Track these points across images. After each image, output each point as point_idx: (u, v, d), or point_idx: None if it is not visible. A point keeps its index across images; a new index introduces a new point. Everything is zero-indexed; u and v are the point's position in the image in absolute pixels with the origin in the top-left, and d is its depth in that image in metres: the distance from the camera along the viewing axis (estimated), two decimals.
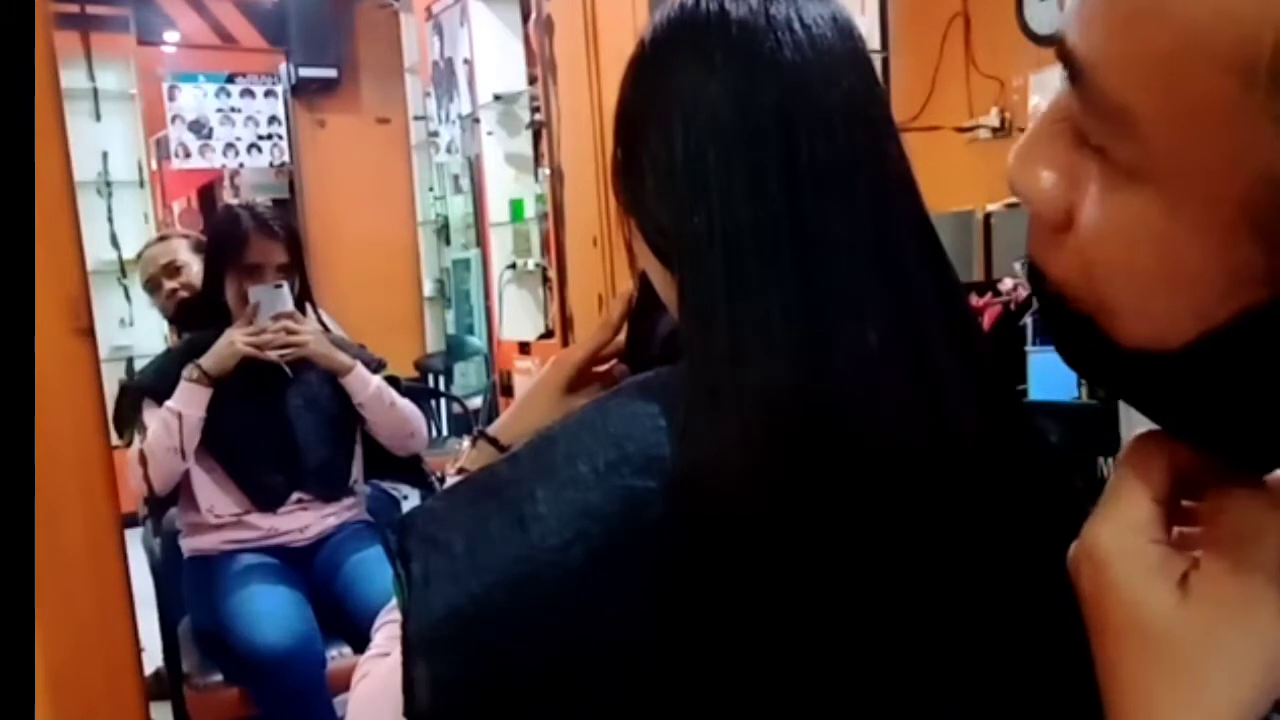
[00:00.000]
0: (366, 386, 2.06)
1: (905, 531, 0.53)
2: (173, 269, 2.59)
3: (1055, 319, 0.44)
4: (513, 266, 4.12)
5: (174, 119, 5.21)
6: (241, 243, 1.98)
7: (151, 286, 2.67)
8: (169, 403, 1.92)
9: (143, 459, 1.90)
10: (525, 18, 3.89)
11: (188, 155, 5.27)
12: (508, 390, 3.78)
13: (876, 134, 0.58)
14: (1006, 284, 1.97)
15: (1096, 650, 0.44)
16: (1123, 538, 0.43)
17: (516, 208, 4.09)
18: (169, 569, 2.03)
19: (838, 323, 0.54)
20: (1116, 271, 0.39)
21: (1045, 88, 2.75)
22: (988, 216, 2.62)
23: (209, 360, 1.92)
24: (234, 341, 1.92)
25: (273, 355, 1.95)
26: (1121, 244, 0.38)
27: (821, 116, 0.56)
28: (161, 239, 2.76)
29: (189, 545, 2.04)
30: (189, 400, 1.91)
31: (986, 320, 1.91)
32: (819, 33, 0.57)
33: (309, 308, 2.11)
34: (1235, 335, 0.37)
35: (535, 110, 3.78)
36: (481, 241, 4.52)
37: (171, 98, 5.20)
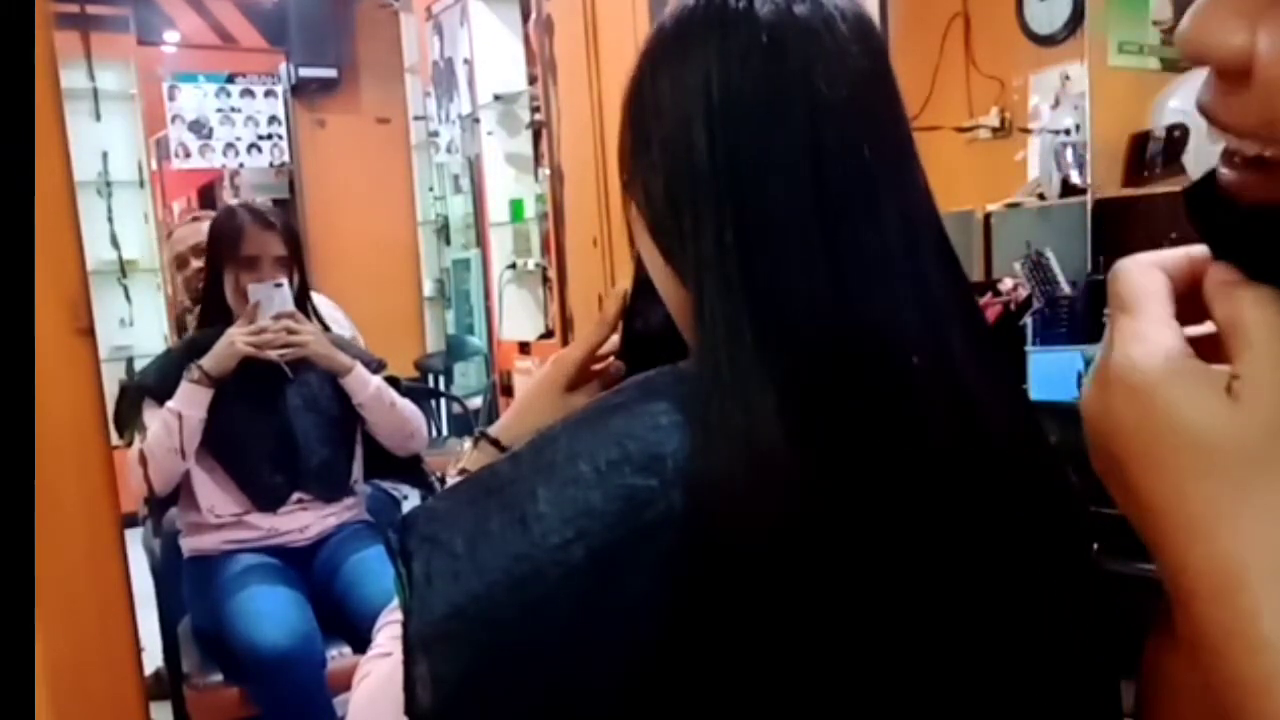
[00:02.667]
0: (366, 387, 2.06)
1: (927, 540, 0.54)
2: (200, 250, 2.59)
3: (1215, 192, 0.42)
4: (513, 266, 4.12)
5: (174, 119, 5.21)
6: (238, 235, 1.99)
7: (178, 263, 2.69)
8: (170, 403, 1.92)
9: (143, 459, 1.90)
10: (525, 18, 3.89)
11: (188, 155, 5.28)
12: (508, 390, 3.78)
13: (902, 141, 0.59)
14: (1006, 284, 1.98)
15: (1144, 485, 0.42)
16: (1161, 358, 0.42)
17: (516, 208, 4.09)
18: (169, 569, 2.03)
19: (870, 329, 0.55)
20: None
21: (1045, 88, 2.75)
22: (988, 216, 2.62)
23: (210, 361, 1.92)
24: (234, 341, 1.92)
25: (273, 355, 1.95)
26: None
27: (851, 128, 0.56)
28: (194, 219, 2.82)
29: (189, 545, 2.04)
30: (190, 401, 1.91)
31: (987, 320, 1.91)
32: (848, 43, 0.58)
33: (309, 306, 2.11)
34: None
35: (535, 110, 3.78)
36: (481, 241, 4.52)
37: (171, 97, 5.20)
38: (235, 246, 1.99)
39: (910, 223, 0.57)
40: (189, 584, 2.02)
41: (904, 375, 0.54)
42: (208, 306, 2.07)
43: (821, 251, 0.55)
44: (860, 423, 0.53)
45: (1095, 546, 0.65)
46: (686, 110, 0.57)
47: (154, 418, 1.94)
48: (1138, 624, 0.66)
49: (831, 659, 0.52)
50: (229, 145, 5.36)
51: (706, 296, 0.56)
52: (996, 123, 2.85)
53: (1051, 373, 1.68)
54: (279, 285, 1.95)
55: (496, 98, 4.03)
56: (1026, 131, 2.76)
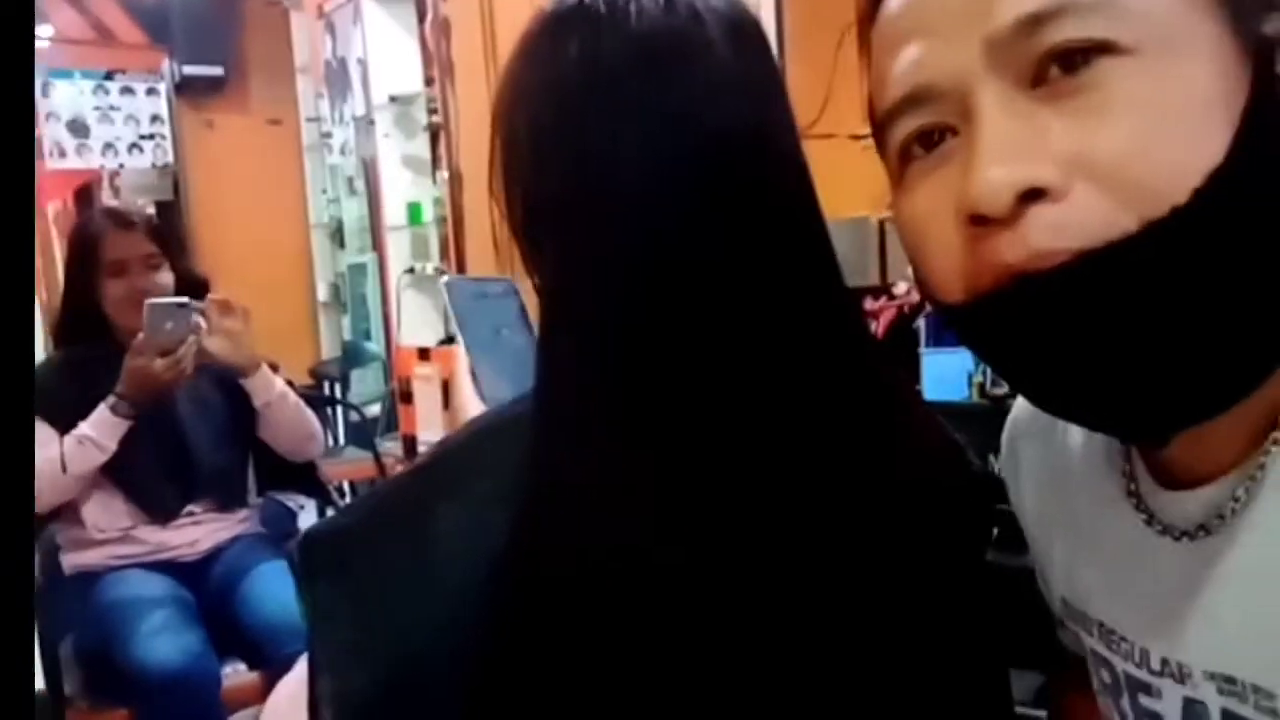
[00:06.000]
0: (272, 387, 1.99)
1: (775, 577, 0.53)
2: None
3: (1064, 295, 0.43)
4: (411, 271, 4.06)
5: (48, 116, 4.98)
6: (97, 242, 1.90)
7: None
8: (84, 429, 1.82)
9: None
10: (421, 18, 3.84)
11: (63, 155, 5.04)
12: (407, 397, 3.72)
13: (773, 157, 0.56)
14: (900, 288, 2.03)
15: None
16: None
17: (414, 211, 4.03)
18: (49, 586, 1.95)
19: (743, 359, 0.53)
20: (1148, 128, 0.41)
21: None
22: (882, 222, 2.68)
23: (132, 392, 1.83)
24: (157, 374, 1.81)
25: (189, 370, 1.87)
26: (1161, 101, 0.41)
27: (724, 145, 0.53)
28: None
29: (71, 561, 1.95)
30: (107, 432, 1.83)
31: (882, 324, 1.96)
32: (720, 49, 0.54)
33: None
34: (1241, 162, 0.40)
35: (433, 112, 3.73)
36: (378, 245, 4.44)
37: (45, 94, 4.97)
38: (97, 254, 1.90)
39: (786, 231, 0.55)
40: (72, 602, 1.92)
41: (769, 390, 0.53)
42: (74, 321, 1.97)
43: (697, 277, 0.52)
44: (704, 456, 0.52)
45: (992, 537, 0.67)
46: (561, 132, 0.54)
47: (35, 434, 1.85)
48: (1026, 615, 0.69)
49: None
50: (108, 145, 5.14)
51: (558, 334, 0.55)
52: None
53: (944, 374, 1.73)
54: (182, 306, 1.85)
55: (392, 99, 3.97)
56: None
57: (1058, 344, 0.43)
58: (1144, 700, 0.51)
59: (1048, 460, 0.62)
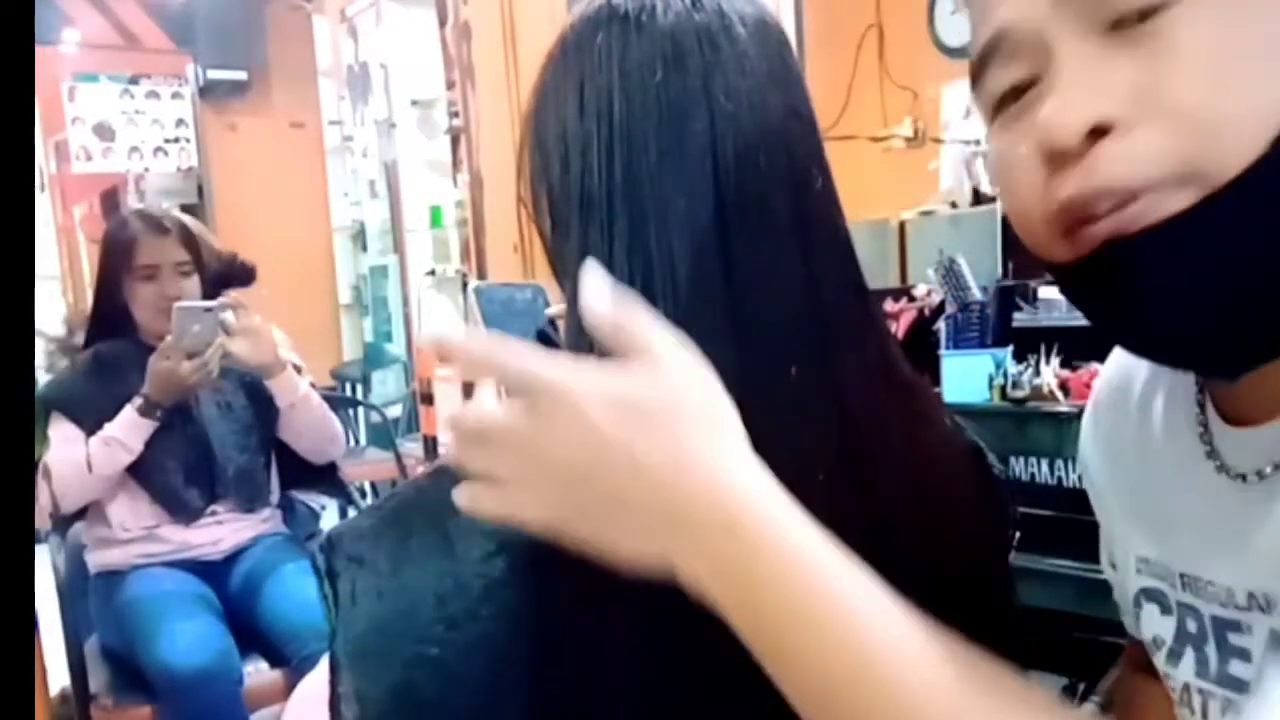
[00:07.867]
0: (297, 388, 2.00)
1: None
2: None
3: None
4: (432, 273, 4.08)
5: (74, 120, 5.03)
6: (131, 246, 1.92)
7: None
8: (111, 431, 1.84)
9: (46, 474, 1.83)
10: (442, 22, 3.86)
11: (89, 158, 5.10)
12: (427, 399, 3.74)
13: (797, 154, 0.56)
14: (920, 290, 2.02)
15: None
16: None
17: (435, 214, 4.06)
18: (75, 585, 1.97)
19: (760, 355, 0.53)
20: (1215, 70, 0.43)
21: (957, 98, 2.83)
22: (902, 224, 2.68)
23: (158, 394, 1.85)
24: (184, 377, 1.83)
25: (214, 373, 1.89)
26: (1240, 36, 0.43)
27: (749, 136, 0.54)
28: None
29: (96, 560, 1.97)
30: (133, 434, 1.85)
31: (902, 325, 1.95)
32: (748, 46, 0.56)
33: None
34: None
35: (454, 115, 3.74)
36: (399, 248, 4.46)
37: (71, 98, 5.02)
38: (130, 258, 1.92)
39: (807, 230, 0.55)
40: (97, 601, 1.94)
41: (786, 389, 0.53)
42: (102, 323, 1.99)
43: (719, 274, 0.53)
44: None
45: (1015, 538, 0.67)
46: (586, 128, 0.55)
47: (61, 433, 1.87)
48: (1045, 616, 0.69)
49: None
50: (133, 148, 5.19)
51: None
52: (910, 132, 2.92)
53: (964, 376, 1.72)
54: (209, 310, 1.87)
55: (413, 103, 3.99)
56: (939, 141, 2.84)
57: (1144, 301, 0.47)
58: (1233, 639, 0.54)
59: (1127, 429, 0.64)
